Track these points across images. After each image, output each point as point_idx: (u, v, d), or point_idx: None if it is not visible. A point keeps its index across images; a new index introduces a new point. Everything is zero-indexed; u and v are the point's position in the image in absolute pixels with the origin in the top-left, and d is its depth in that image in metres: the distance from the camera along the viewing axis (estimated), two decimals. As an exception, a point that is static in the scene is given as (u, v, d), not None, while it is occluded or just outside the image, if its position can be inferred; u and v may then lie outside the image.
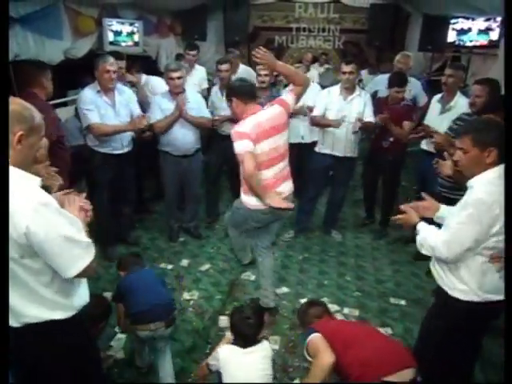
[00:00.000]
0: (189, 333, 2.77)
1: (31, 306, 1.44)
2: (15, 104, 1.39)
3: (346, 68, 3.50)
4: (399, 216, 2.02)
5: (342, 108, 3.56)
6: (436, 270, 1.94)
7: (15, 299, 1.42)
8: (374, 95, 4.02)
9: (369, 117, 3.59)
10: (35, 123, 1.42)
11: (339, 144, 3.65)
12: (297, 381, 2.41)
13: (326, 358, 1.87)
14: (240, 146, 2.40)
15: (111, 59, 3.21)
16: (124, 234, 3.79)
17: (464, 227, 1.70)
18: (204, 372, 2.08)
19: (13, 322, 1.45)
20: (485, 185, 1.67)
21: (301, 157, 4.06)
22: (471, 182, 1.76)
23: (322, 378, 1.87)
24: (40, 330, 1.46)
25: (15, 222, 1.30)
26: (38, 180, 1.41)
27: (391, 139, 3.66)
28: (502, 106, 2.23)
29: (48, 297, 1.46)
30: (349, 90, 3.58)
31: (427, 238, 1.84)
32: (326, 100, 3.64)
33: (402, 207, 2.03)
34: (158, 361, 2.31)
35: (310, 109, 3.82)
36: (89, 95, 3.23)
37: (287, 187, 2.68)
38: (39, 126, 1.45)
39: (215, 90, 4.00)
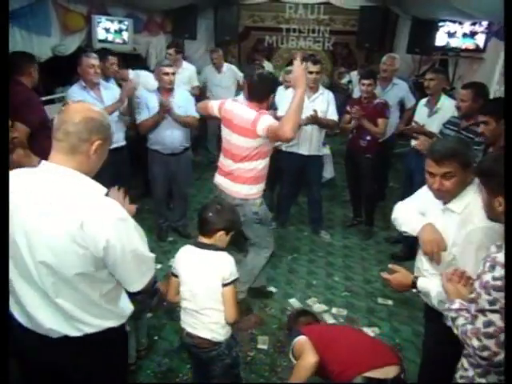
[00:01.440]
0: (177, 332, 2.75)
1: (92, 316, 1.41)
2: (95, 113, 1.37)
3: (313, 68, 3.54)
4: (389, 278, 1.80)
5: (306, 107, 3.56)
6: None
7: (77, 308, 1.38)
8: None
9: (332, 115, 3.69)
10: (110, 133, 1.42)
11: (304, 142, 3.71)
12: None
13: (309, 358, 1.91)
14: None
15: (94, 54, 3.29)
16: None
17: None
18: (167, 283, 2.08)
19: (72, 332, 1.40)
20: (476, 212, 1.56)
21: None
22: (453, 207, 1.68)
23: (305, 377, 1.91)
24: (96, 338, 1.43)
25: (96, 236, 1.27)
26: (105, 190, 1.38)
27: (368, 138, 3.74)
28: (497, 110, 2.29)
29: (103, 306, 1.43)
30: (313, 89, 3.64)
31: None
32: (289, 100, 3.60)
33: (390, 266, 1.84)
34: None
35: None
36: (77, 91, 3.33)
37: (223, 183, 2.78)
38: (111, 137, 1.45)
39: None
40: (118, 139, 3.49)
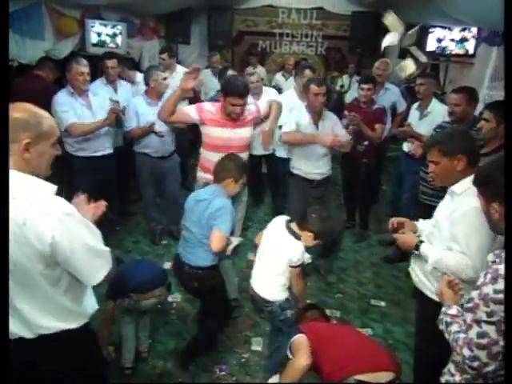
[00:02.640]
0: (172, 335, 2.77)
1: (48, 316, 1.41)
2: (21, 111, 1.35)
3: (311, 74, 3.71)
4: (397, 235, 1.98)
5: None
6: (425, 280, 1.90)
7: (32, 310, 1.38)
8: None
9: None
10: (43, 130, 1.36)
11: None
12: (272, 380, 2.42)
13: (302, 360, 1.92)
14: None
15: (84, 61, 3.19)
16: (104, 239, 3.74)
17: (476, 241, 1.68)
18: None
19: (27, 334, 1.40)
20: (474, 194, 1.60)
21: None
22: (455, 189, 1.80)
23: (295, 378, 1.94)
24: (54, 339, 1.43)
25: (40, 232, 1.28)
26: (54, 188, 1.38)
27: (366, 143, 3.76)
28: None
29: (65, 305, 1.44)
30: None
31: (447, 262, 1.76)
32: (287, 103, 3.60)
33: (394, 223, 2.04)
34: (138, 333, 2.54)
35: None
36: (63, 97, 3.20)
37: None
38: (48, 133, 1.39)
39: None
40: (105, 147, 3.45)
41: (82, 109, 3.24)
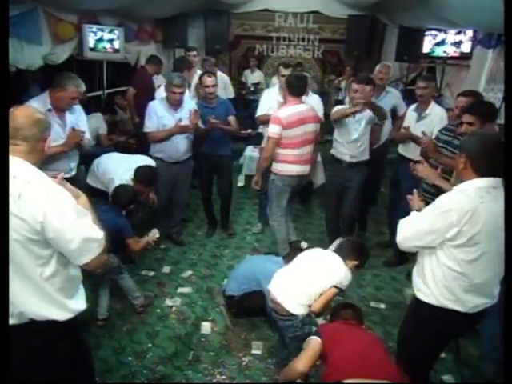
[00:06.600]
0: (171, 339, 2.75)
1: (31, 299, 1.44)
2: (42, 114, 1.55)
3: (285, 71, 3.79)
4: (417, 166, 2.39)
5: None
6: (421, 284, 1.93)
7: (16, 289, 1.40)
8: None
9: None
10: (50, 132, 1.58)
11: None
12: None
13: (298, 365, 1.98)
14: (270, 129, 3.23)
15: (83, 85, 2.92)
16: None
17: (420, 219, 1.85)
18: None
19: (10, 319, 1.42)
20: (456, 192, 1.74)
21: None
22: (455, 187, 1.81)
23: (291, 378, 2.04)
24: (36, 329, 1.45)
25: (33, 207, 1.34)
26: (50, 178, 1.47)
27: None
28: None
29: (49, 292, 1.46)
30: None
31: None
32: (269, 101, 3.85)
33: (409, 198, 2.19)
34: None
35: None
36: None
37: (305, 169, 3.45)
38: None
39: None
40: (71, 167, 3.10)
41: (57, 129, 2.87)
